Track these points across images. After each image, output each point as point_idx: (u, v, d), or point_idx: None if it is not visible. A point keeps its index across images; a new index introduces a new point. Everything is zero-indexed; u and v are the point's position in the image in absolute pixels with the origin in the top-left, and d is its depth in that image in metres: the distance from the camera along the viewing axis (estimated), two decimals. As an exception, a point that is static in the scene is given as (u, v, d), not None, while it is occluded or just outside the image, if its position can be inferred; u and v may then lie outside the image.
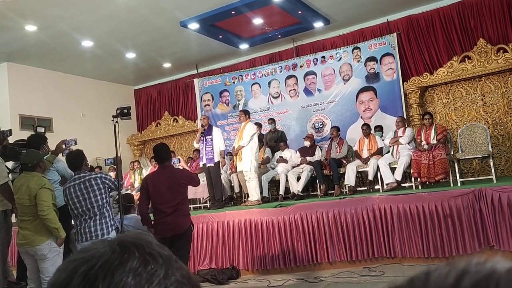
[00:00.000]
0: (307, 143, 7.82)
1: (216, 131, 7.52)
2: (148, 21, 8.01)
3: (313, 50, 9.74)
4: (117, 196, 4.61)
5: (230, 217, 6.34)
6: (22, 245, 4.02)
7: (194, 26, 8.37)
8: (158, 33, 8.64)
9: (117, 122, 4.47)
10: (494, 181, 5.96)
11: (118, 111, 4.52)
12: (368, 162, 6.78)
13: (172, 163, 5.30)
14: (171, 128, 11.33)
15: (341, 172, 7.11)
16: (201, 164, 7.66)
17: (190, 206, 6.48)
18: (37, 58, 9.40)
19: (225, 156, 8.17)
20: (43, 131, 5.24)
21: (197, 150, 8.52)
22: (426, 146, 6.37)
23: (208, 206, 7.72)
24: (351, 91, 9.12)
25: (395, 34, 8.74)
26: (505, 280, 0.35)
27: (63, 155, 4.76)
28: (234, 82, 10.47)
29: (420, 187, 6.29)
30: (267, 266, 5.99)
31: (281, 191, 7.29)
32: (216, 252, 6.28)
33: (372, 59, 8.93)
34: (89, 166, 4.60)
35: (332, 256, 5.72)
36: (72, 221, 4.31)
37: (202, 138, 7.34)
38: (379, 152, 7.04)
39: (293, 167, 7.49)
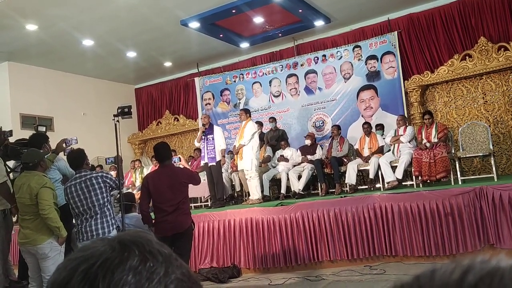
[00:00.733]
0: (308, 142, 7.83)
1: (217, 130, 7.53)
2: (149, 20, 8.01)
3: (313, 48, 9.73)
4: (118, 195, 4.61)
5: (231, 216, 6.34)
6: (24, 244, 4.03)
7: (194, 25, 8.37)
8: (158, 32, 8.64)
9: (118, 121, 4.48)
10: (495, 180, 5.96)
11: (119, 110, 4.52)
12: (369, 161, 6.78)
13: (172, 162, 5.30)
14: (172, 127, 11.34)
15: (342, 171, 7.11)
16: (202, 163, 7.66)
17: (191, 205, 6.48)
18: (38, 57, 9.41)
19: (226, 155, 8.17)
20: (44, 130, 5.24)
21: (198, 149, 8.53)
22: (428, 144, 6.36)
23: (209, 205, 7.72)
24: (352, 89, 9.11)
25: (395, 32, 8.73)
26: (509, 276, 0.36)
27: (64, 154, 4.76)
28: (235, 81, 10.46)
29: (421, 185, 6.30)
30: (268, 265, 6.00)
31: (283, 189, 7.29)
32: (217, 251, 6.28)
33: (372, 57, 8.92)
34: (90, 165, 4.60)
35: (333, 255, 5.72)
36: (73, 220, 4.31)
37: (203, 137, 7.34)
38: (380, 151, 7.05)
39: (294, 165, 7.49)
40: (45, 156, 4.33)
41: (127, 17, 7.81)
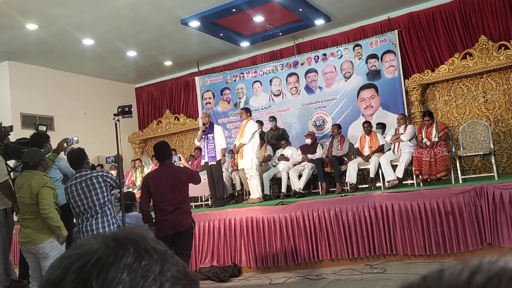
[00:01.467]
0: (308, 141, 7.83)
1: (217, 129, 7.52)
2: (149, 19, 8.00)
3: (314, 47, 9.72)
4: (119, 194, 4.61)
5: (232, 215, 6.34)
6: (24, 244, 4.03)
7: (194, 24, 8.37)
8: (159, 31, 8.64)
9: (118, 120, 4.48)
10: (496, 178, 5.96)
11: (119, 109, 4.52)
12: (370, 160, 6.78)
13: (173, 162, 5.30)
14: (172, 126, 11.34)
15: (342, 170, 7.11)
16: (202, 162, 7.66)
17: (191, 204, 6.48)
18: (38, 57, 9.41)
19: (226, 154, 8.17)
20: (45, 129, 5.24)
21: (198, 148, 8.53)
22: (428, 143, 6.36)
23: (210, 204, 7.72)
24: (352, 88, 9.10)
25: (396, 31, 8.72)
26: None
27: (64, 154, 4.77)
28: (235, 80, 10.46)
29: (421, 184, 6.30)
30: (268, 264, 6.00)
31: (283, 189, 7.29)
32: (217, 250, 6.28)
33: (373, 56, 8.91)
34: (90, 165, 4.60)
35: (334, 254, 5.72)
36: (74, 219, 4.31)
37: (203, 136, 7.34)
38: (381, 150, 7.04)
39: (294, 164, 7.49)
40: (46, 156, 4.33)
41: (127, 16, 7.81)
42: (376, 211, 5.58)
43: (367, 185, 7.12)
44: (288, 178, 7.30)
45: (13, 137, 5.11)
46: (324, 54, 9.46)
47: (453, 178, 6.18)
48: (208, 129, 7.34)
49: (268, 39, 9.66)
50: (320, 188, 7.22)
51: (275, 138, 8.27)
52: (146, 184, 4.55)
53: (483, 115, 8.01)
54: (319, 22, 8.88)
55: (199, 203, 8.49)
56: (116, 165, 5.88)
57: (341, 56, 9.27)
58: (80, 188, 3.99)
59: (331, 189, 7.19)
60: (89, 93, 10.94)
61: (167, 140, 10.37)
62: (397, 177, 6.44)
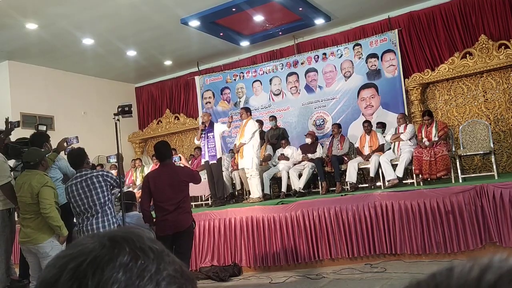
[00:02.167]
0: (308, 140, 7.83)
1: (217, 126, 7.53)
2: (149, 18, 8.00)
3: (314, 47, 9.72)
4: (119, 194, 4.62)
5: (232, 215, 6.35)
6: (24, 243, 4.04)
7: (194, 23, 8.36)
8: (158, 30, 8.64)
9: (118, 120, 4.48)
10: (496, 178, 5.96)
11: (120, 109, 4.52)
12: (370, 159, 6.78)
13: (173, 161, 5.31)
14: (172, 126, 11.34)
15: (342, 169, 7.11)
16: (203, 161, 7.66)
17: (191, 203, 6.48)
18: (38, 56, 9.41)
19: (226, 153, 8.19)
20: (45, 129, 5.24)
21: (198, 148, 8.53)
22: (427, 143, 6.36)
23: (210, 204, 7.72)
24: (352, 88, 9.10)
25: (396, 30, 8.72)
26: None
27: (65, 153, 4.77)
28: (235, 80, 10.46)
29: (421, 183, 6.30)
30: (268, 263, 6.00)
31: (283, 188, 7.30)
32: (218, 249, 6.29)
33: (373, 55, 8.91)
34: (90, 164, 4.60)
35: (334, 253, 5.72)
36: (74, 219, 4.31)
37: (203, 135, 7.34)
38: (381, 149, 7.04)
39: (295, 164, 7.50)
40: (46, 155, 4.34)
41: (127, 15, 7.81)
42: (376, 210, 5.59)
43: (367, 185, 7.13)
44: (288, 177, 7.31)
45: (13, 137, 5.11)
46: (324, 54, 9.45)
47: (453, 178, 6.18)
48: (208, 128, 7.34)
49: (268, 39, 9.66)
50: (320, 187, 7.21)
51: (275, 138, 8.27)
52: (146, 183, 4.56)
53: (483, 114, 8.00)
54: (319, 21, 8.88)
55: (199, 202, 8.49)
56: (116, 164, 5.89)
57: (341, 55, 9.26)
58: (80, 188, 4.00)
59: (331, 189, 7.20)
60: (89, 92, 10.94)
61: (167, 140, 10.37)
62: (397, 177, 6.45)
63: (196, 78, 10.99)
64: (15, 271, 5.16)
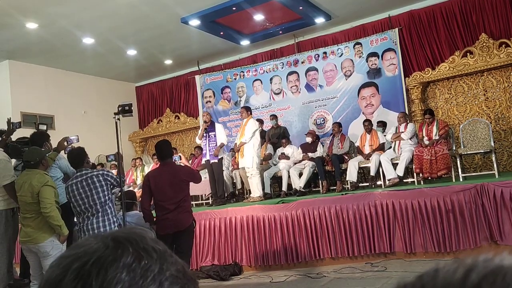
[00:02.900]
0: (309, 139, 7.82)
1: (218, 126, 7.53)
2: (149, 17, 8.00)
3: (314, 46, 9.71)
4: (119, 193, 4.62)
5: (232, 214, 6.35)
6: (25, 243, 4.04)
7: (195, 22, 8.36)
8: (159, 29, 8.64)
9: (118, 119, 4.48)
10: (496, 176, 5.95)
11: (120, 108, 4.52)
12: (370, 158, 6.78)
13: (173, 161, 5.31)
14: (172, 125, 11.34)
15: (343, 168, 7.11)
16: (203, 160, 7.66)
17: (192, 202, 6.49)
18: (38, 56, 9.41)
19: (227, 152, 8.18)
20: (45, 128, 5.24)
21: (199, 147, 8.53)
22: (427, 142, 6.36)
23: (210, 203, 7.73)
24: (353, 87, 9.10)
25: (396, 29, 8.71)
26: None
27: (65, 152, 4.77)
28: (235, 79, 10.45)
29: (422, 182, 6.30)
30: (269, 262, 6.00)
31: (284, 187, 7.30)
32: (218, 249, 6.29)
33: (373, 54, 8.90)
34: (90, 164, 4.61)
35: (334, 252, 5.72)
36: (75, 218, 4.32)
37: (205, 134, 7.34)
38: (381, 148, 7.04)
39: (295, 163, 7.50)
40: (46, 155, 4.34)
41: (127, 15, 7.81)
42: (376, 209, 5.59)
43: (367, 184, 7.13)
44: (289, 176, 7.31)
45: (13, 136, 5.12)
46: (325, 53, 9.45)
47: (453, 176, 6.18)
48: (209, 127, 7.35)
49: (269, 38, 9.66)
50: (320, 186, 7.21)
51: (276, 137, 8.27)
52: (147, 182, 4.56)
53: (483, 113, 8.00)
54: (320, 20, 8.87)
55: (200, 201, 8.49)
56: (116, 164, 5.89)
57: (342, 54, 9.26)
58: (80, 187, 4.00)
59: (332, 188, 7.20)
60: (90, 92, 10.94)
61: (168, 139, 10.33)
62: (398, 175, 6.44)
63: (197, 77, 10.98)
64: (16, 270, 5.16)
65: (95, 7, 7.39)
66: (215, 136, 7.24)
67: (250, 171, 7.03)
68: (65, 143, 4.74)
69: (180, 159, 8.36)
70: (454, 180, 6.11)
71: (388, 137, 7.05)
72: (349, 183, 7.04)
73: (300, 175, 7.24)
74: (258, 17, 8.56)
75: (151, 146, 11.37)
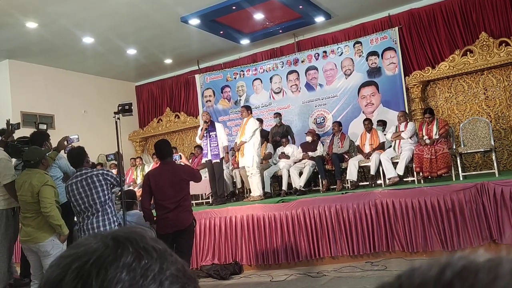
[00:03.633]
0: (309, 138, 7.82)
1: (219, 126, 7.54)
2: (149, 17, 7.99)
3: (314, 45, 9.71)
4: (119, 193, 4.62)
5: (233, 213, 6.35)
6: (25, 242, 4.04)
7: (195, 21, 8.36)
8: (159, 29, 8.63)
9: (118, 118, 4.47)
10: (497, 175, 5.95)
11: (120, 108, 4.52)
12: (370, 157, 6.78)
13: (173, 160, 5.31)
14: (172, 124, 11.34)
15: (343, 167, 7.11)
16: (204, 160, 7.65)
17: (192, 201, 6.49)
18: (38, 55, 9.40)
19: (229, 152, 8.18)
20: (45, 128, 5.24)
21: (199, 146, 8.53)
22: (427, 141, 6.35)
23: (211, 202, 7.73)
24: (353, 85, 9.09)
25: (396, 28, 8.70)
26: (484, 270, 0.37)
27: (65, 152, 4.77)
28: (235, 78, 10.45)
29: (422, 181, 6.30)
30: (269, 262, 6.01)
31: (284, 186, 7.30)
32: (218, 248, 6.29)
33: (373, 53, 8.90)
34: (90, 163, 4.61)
35: (335, 251, 5.72)
36: (75, 217, 4.32)
37: (205, 134, 7.33)
38: (381, 147, 7.04)
39: (295, 162, 7.50)
40: (46, 154, 4.34)
41: (127, 14, 7.80)
42: (376, 208, 5.58)
43: (367, 183, 7.13)
44: (289, 175, 7.31)
45: (13, 136, 5.12)
46: (325, 52, 9.44)
47: (453, 175, 6.18)
48: (210, 127, 7.35)
49: (268, 37, 9.65)
50: (320, 185, 7.22)
51: (279, 135, 8.27)
52: (147, 182, 4.56)
53: (483, 112, 8.00)
54: (319, 19, 8.87)
55: (200, 201, 8.49)
56: (116, 163, 5.88)
57: (342, 53, 9.25)
58: (80, 187, 4.00)
59: (332, 187, 7.20)
60: (90, 91, 10.93)
61: (168, 138, 10.35)
62: (398, 174, 6.44)
63: (197, 76, 10.98)
64: (16, 270, 5.17)
65: (95, 6, 7.38)
66: (216, 136, 7.25)
67: (250, 170, 7.03)
68: (65, 143, 4.74)
69: (180, 158, 8.37)
70: (454, 179, 6.11)
71: (388, 136, 7.05)
72: (349, 182, 7.04)
73: (300, 174, 7.24)
74: (258, 16, 8.56)
75: (151, 146, 11.35)
